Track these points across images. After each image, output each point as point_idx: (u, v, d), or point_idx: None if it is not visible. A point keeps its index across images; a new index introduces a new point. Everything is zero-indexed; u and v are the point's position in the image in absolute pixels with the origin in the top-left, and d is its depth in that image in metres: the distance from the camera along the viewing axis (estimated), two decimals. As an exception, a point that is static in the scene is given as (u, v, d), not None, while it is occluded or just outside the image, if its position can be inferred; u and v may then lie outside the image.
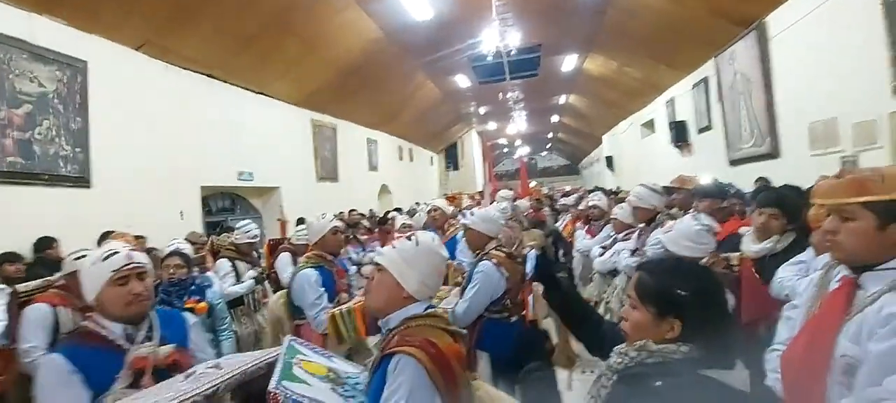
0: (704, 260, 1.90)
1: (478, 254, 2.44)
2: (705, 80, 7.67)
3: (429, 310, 1.33)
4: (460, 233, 3.34)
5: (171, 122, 5.29)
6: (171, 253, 2.54)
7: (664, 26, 7.05)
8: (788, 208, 1.93)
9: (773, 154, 5.84)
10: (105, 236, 3.95)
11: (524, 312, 2.42)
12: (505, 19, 7.43)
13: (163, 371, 1.37)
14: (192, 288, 2.41)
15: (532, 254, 2.39)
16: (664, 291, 1.01)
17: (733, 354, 0.98)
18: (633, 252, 2.86)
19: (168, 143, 5.22)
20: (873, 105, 4.11)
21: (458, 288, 2.54)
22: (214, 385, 1.18)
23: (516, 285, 2.37)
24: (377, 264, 1.37)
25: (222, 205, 6.64)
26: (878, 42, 3.92)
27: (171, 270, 2.40)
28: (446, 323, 1.35)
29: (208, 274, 3.05)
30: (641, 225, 2.68)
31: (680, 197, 2.69)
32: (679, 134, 8.86)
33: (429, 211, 3.85)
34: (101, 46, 4.53)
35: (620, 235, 2.98)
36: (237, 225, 3.46)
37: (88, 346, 1.35)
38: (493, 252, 2.37)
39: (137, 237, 4.47)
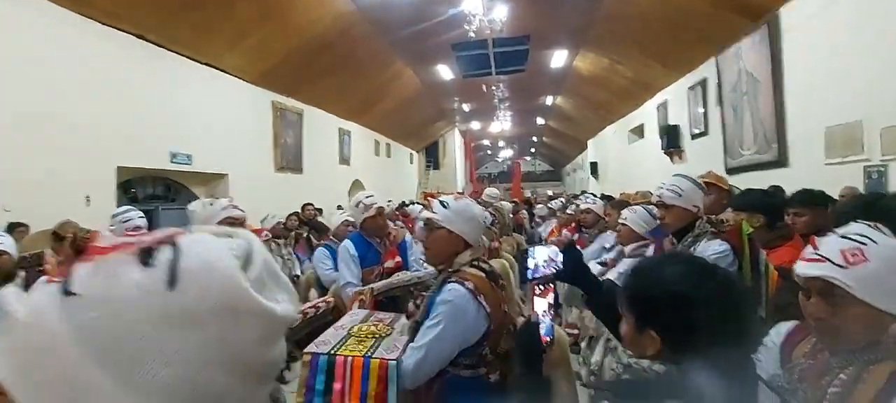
0: None
1: (441, 270, 1.54)
2: (703, 82, 7.14)
3: None
4: (408, 238, 2.50)
5: (82, 87, 4.37)
6: None
7: (663, 19, 6.46)
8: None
9: (780, 162, 5.27)
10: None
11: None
12: (491, 1, 6.74)
13: None
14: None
15: (543, 251, 1.36)
16: (638, 296, 0.83)
17: (741, 390, 0.71)
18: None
19: (76, 112, 4.30)
20: (910, 107, 3.56)
21: (408, 321, 1.65)
22: None
23: (500, 324, 1.46)
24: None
25: (153, 192, 5.69)
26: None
27: None
28: None
29: (44, 279, 2.20)
30: (665, 238, 1.83)
31: (709, 199, 1.93)
32: (671, 139, 8.34)
33: (358, 203, 2.36)
34: (-15, -16, 3.62)
35: (629, 248, 2.18)
36: (113, 213, 2.59)
37: None
38: (468, 270, 1.49)
39: (18, 225, 3.59)
